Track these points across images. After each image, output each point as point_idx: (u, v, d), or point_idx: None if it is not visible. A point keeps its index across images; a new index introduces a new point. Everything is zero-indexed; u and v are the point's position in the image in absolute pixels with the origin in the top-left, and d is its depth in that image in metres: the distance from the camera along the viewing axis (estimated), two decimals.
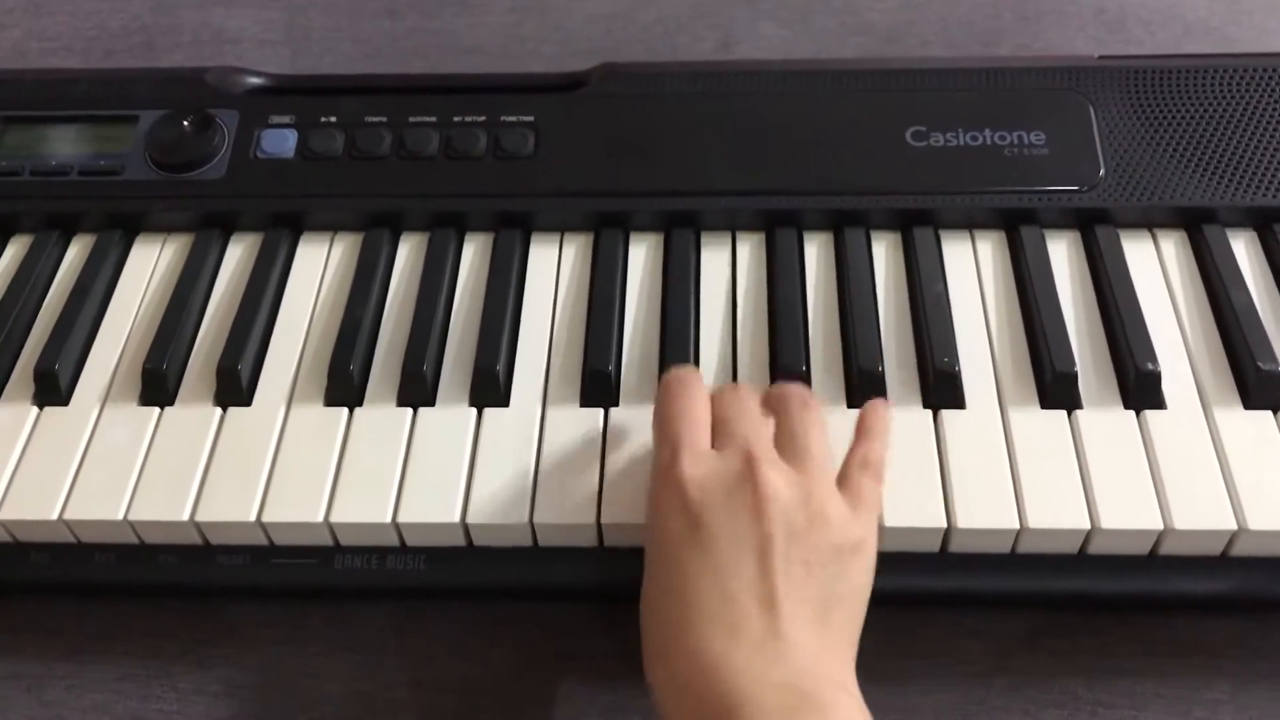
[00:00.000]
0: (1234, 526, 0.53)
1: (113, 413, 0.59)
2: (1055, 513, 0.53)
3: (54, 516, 0.55)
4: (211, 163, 0.67)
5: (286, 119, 0.68)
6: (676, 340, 0.60)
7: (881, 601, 0.56)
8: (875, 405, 0.54)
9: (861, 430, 0.53)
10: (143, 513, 0.56)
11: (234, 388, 0.59)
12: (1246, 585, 0.54)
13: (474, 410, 0.58)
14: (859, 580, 0.49)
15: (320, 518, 0.55)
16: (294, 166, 0.67)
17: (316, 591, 0.57)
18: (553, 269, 0.65)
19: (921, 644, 0.56)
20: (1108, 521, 0.53)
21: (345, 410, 0.58)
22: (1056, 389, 0.57)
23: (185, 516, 0.55)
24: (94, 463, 0.57)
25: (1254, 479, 0.54)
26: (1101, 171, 0.64)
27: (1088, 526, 0.53)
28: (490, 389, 0.58)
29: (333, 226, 0.67)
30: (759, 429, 0.51)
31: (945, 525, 0.53)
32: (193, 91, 0.70)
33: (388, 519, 0.54)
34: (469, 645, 0.57)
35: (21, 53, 0.87)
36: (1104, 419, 0.56)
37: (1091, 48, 0.82)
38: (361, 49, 0.86)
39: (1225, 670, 0.55)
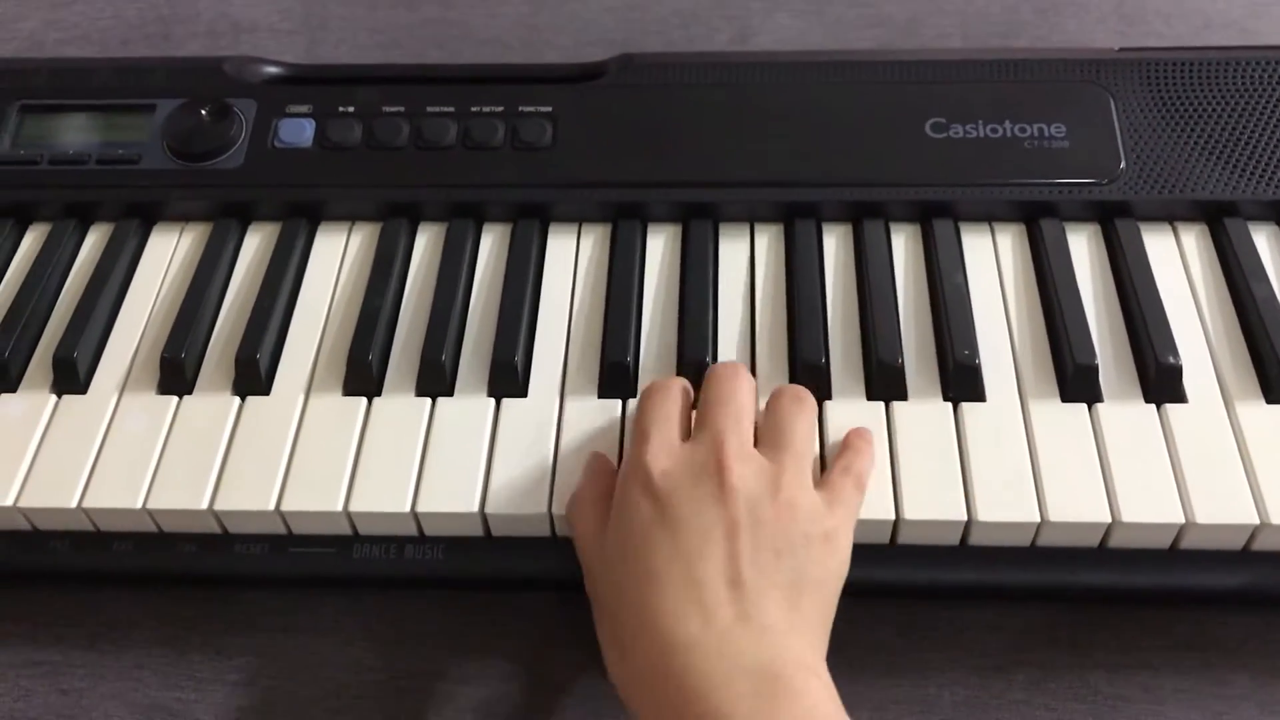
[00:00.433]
0: (1256, 521, 0.52)
1: (131, 401, 0.59)
2: (1076, 506, 0.53)
3: (73, 504, 0.55)
4: (229, 152, 0.67)
5: (304, 109, 0.68)
6: (695, 332, 0.60)
7: (901, 594, 0.56)
8: (857, 429, 0.55)
9: (845, 444, 0.54)
10: (161, 501, 0.56)
11: (253, 377, 0.59)
12: (1268, 580, 0.54)
13: (492, 400, 0.58)
14: (831, 567, 0.49)
15: (339, 507, 0.55)
16: (311, 156, 0.67)
17: (335, 581, 0.57)
18: (570, 259, 0.64)
19: (940, 637, 0.56)
20: (1128, 515, 0.52)
21: (364, 400, 0.58)
22: (1077, 382, 0.57)
23: (204, 505, 0.55)
24: (112, 451, 0.57)
25: (1276, 473, 0.53)
26: (1122, 164, 0.63)
27: (1108, 520, 0.53)
28: (508, 379, 0.58)
29: (350, 216, 0.67)
30: (739, 418, 0.52)
31: (965, 518, 0.53)
32: (210, 81, 0.70)
33: (406, 508, 0.54)
34: (487, 636, 0.57)
35: (39, 42, 0.87)
36: (1125, 412, 0.56)
37: (1110, 40, 0.82)
38: (378, 39, 0.86)
39: (1246, 665, 0.55)
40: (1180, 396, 0.57)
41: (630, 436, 0.54)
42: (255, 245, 0.66)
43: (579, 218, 0.66)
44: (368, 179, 0.66)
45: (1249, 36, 0.82)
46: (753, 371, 0.59)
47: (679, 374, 0.59)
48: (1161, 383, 0.56)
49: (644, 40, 0.84)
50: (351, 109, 0.68)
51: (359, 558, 0.56)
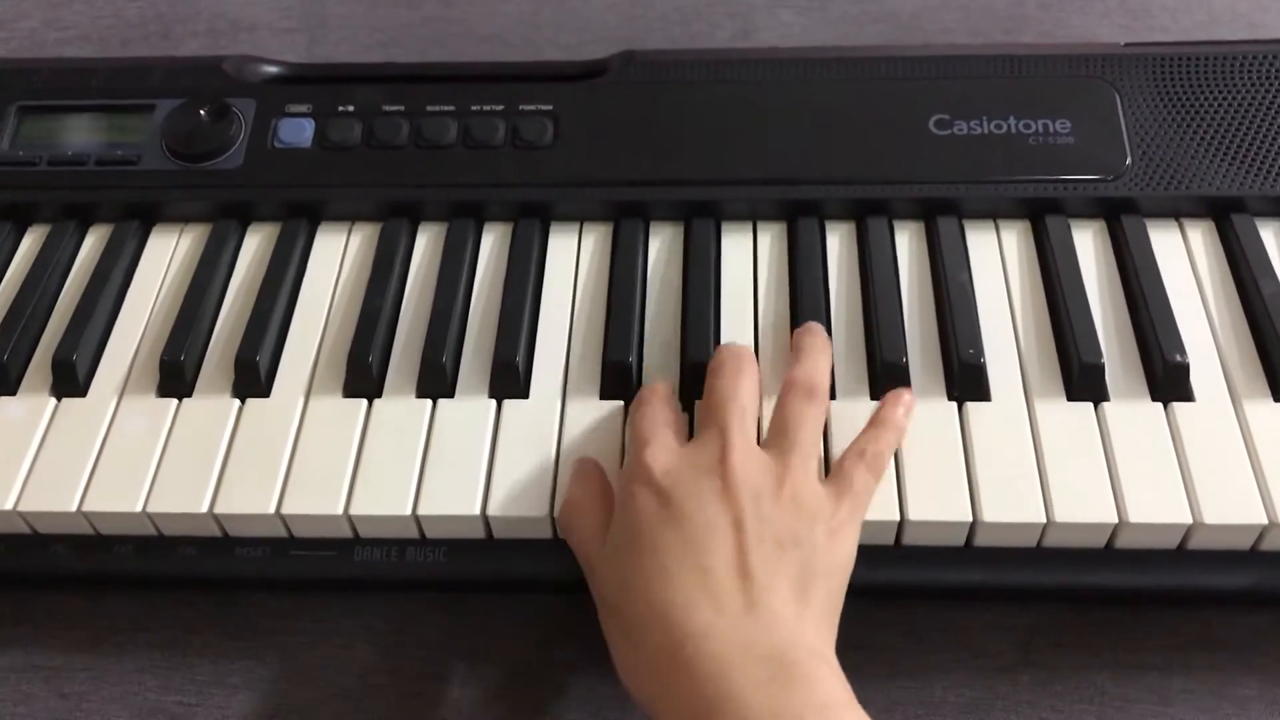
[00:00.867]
0: (1264, 521, 0.52)
1: (130, 404, 0.59)
2: (1082, 506, 0.53)
3: (73, 508, 0.55)
4: (228, 152, 0.67)
5: (304, 108, 0.68)
6: (697, 331, 0.59)
7: (906, 595, 0.56)
8: (895, 399, 0.55)
9: (873, 420, 0.54)
10: (161, 505, 0.55)
11: (252, 379, 0.59)
12: (1276, 580, 0.53)
13: (493, 401, 0.58)
14: (838, 560, 0.50)
15: (340, 510, 0.54)
16: (311, 156, 0.66)
17: (336, 583, 0.57)
18: (572, 259, 0.64)
19: (946, 638, 0.55)
20: (1135, 515, 0.52)
21: (364, 401, 0.58)
22: (1083, 381, 0.56)
23: (204, 508, 0.55)
24: (112, 454, 0.57)
25: None
26: (1128, 160, 0.63)
27: (1115, 520, 0.52)
28: (510, 380, 0.58)
29: (351, 216, 0.66)
30: (742, 416, 0.52)
31: (971, 519, 0.52)
32: (209, 81, 0.70)
33: (407, 511, 0.54)
34: (488, 638, 0.57)
35: (38, 42, 0.86)
36: (1131, 411, 0.55)
37: (1116, 35, 0.82)
38: (378, 37, 0.85)
39: (1254, 665, 0.54)
40: (1187, 395, 0.56)
41: (629, 444, 0.54)
42: (255, 246, 0.66)
43: (580, 217, 0.66)
44: (368, 179, 0.65)
45: (1256, 30, 0.82)
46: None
47: (682, 374, 0.58)
48: (1168, 381, 0.56)
49: (646, 37, 0.84)
50: (351, 108, 0.67)
51: (360, 560, 0.56)
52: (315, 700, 0.55)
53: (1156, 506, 0.52)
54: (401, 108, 0.67)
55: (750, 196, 0.65)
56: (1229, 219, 0.62)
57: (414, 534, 0.55)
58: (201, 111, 0.67)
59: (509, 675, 0.56)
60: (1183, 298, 0.60)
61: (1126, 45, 0.68)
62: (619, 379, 0.58)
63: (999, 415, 0.56)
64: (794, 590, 0.47)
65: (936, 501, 0.53)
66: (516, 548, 0.56)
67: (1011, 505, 0.53)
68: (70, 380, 0.60)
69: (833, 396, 0.57)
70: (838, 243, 0.64)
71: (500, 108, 0.67)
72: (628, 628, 0.48)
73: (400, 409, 0.58)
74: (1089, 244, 0.63)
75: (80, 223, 0.67)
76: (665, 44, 0.83)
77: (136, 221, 0.67)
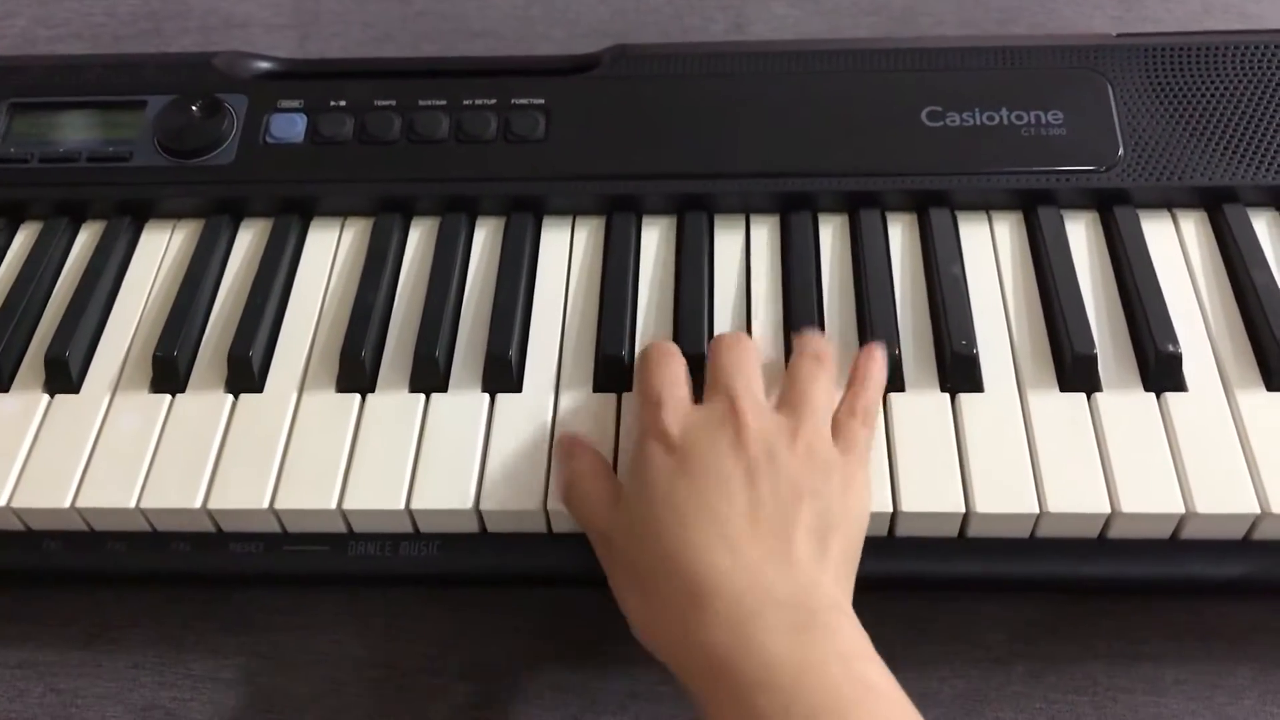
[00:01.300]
0: (1256, 510, 0.52)
1: (124, 400, 0.59)
2: (1075, 497, 0.52)
3: (66, 504, 0.55)
4: (220, 148, 0.66)
5: (295, 103, 0.68)
6: (690, 324, 0.59)
7: (900, 587, 0.56)
8: (868, 353, 0.55)
9: (853, 378, 0.54)
10: (155, 500, 0.55)
11: (245, 375, 0.59)
12: (1269, 569, 0.53)
13: (487, 396, 0.58)
14: (854, 510, 0.50)
15: (333, 504, 0.54)
16: (303, 151, 0.66)
17: (330, 578, 0.57)
18: (565, 253, 0.64)
19: (940, 630, 0.55)
20: (1128, 505, 0.52)
21: (357, 396, 0.58)
22: (1076, 371, 0.56)
23: (197, 504, 0.55)
24: (105, 450, 0.57)
25: (1277, 461, 0.53)
26: (1120, 151, 0.63)
27: (1108, 510, 0.52)
28: (503, 374, 0.58)
29: (343, 211, 0.66)
30: (749, 381, 0.52)
31: (964, 510, 0.52)
32: (201, 76, 0.70)
33: (401, 505, 0.54)
34: (483, 632, 0.57)
35: (30, 39, 0.86)
36: (1124, 401, 0.55)
37: (1108, 25, 0.82)
38: (370, 32, 0.85)
39: (1248, 655, 0.54)
40: (1180, 385, 0.56)
41: (638, 402, 0.54)
42: (247, 242, 0.66)
43: (573, 210, 0.65)
44: (360, 173, 0.65)
45: (1249, 20, 0.82)
46: None
47: None
48: (1161, 371, 0.56)
49: (639, 31, 0.84)
50: (343, 103, 0.67)
51: (354, 555, 0.56)
52: (310, 695, 0.55)
53: (1149, 496, 0.52)
54: (393, 102, 0.67)
55: (743, 189, 0.64)
56: (1221, 209, 0.62)
57: (408, 528, 0.55)
58: (193, 107, 0.67)
59: (503, 669, 0.56)
60: (1175, 288, 0.60)
61: (1118, 36, 0.68)
62: (612, 372, 0.58)
63: (992, 406, 0.56)
64: (811, 540, 0.47)
65: (929, 493, 0.53)
66: (510, 541, 0.55)
67: (1004, 496, 0.53)
68: (63, 377, 0.60)
69: None
70: (830, 235, 0.64)
71: (492, 102, 0.67)
72: (643, 579, 0.48)
73: (393, 403, 0.58)
74: (1081, 235, 0.62)
75: (72, 220, 0.67)
76: (658, 38, 0.83)
77: (129, 218, 0.67)
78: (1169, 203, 0.63)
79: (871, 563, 0.52)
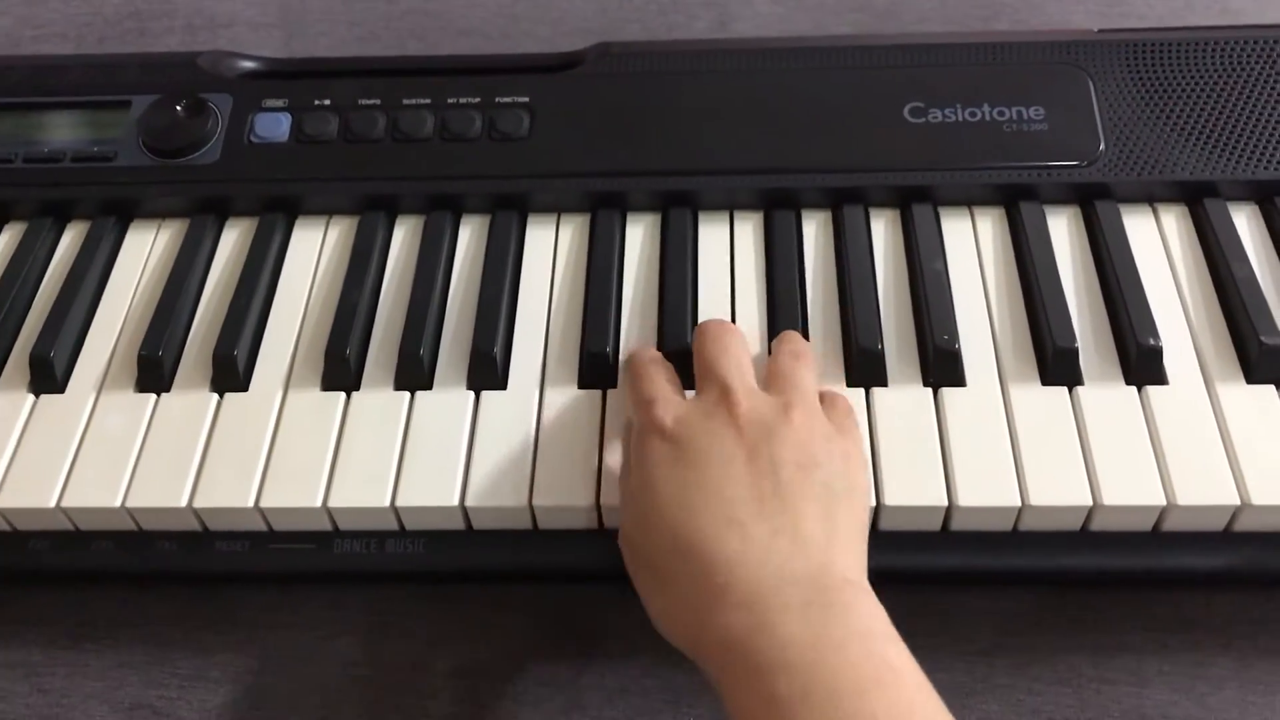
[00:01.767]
0: (1237, 502, 0.52)
1: (109, 400, 0.59)
2: (1057, 490, 0.53)
3: (51, 504, 0.55)
4: (205, 147, 0.67)
5: (280, 103, 0.68)
6: (674, 321, 0.59)
7: (883, 580, 0.55)
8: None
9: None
10: (140, 500, 0.55)
11: (230, 373, 0.59)
12: (1250, 560, 0.54)
13: (472, 393, 0.58)
14: (856, 480, 0.50)
15: (318, 503, 0.54)
16: (288, 150, 0.66)
17: (316, 576, 0.57)
18: (549, 250, 0.64)
19: (924, 623, 0.55)
20: (1110, 498, 0.52)
21: (342, 395, 0.58)
22: (1057, 365, 0.56)
23: (183, 503, 0.55)
24: (91, 450, 0.57)
25: (1257, 453, 0.53)
26: (1101, 146, 0.63)
27: (1090, 503, 0.52)
28: (488, 371, 0.58)
29: (328, 210, 0.66)
30: (739, 364, 0.53)
31: (947, 503, 0.53)
32: (185, 76, 0.70)
33: (386, 503, 0.54)
34: (469, 629, 0.57)
35: (14, 40, 0.86)
36: (1105, 395, 0.56)
37: (1091, 21, 0.82)
38: (356, 31, 0.85)
39: (1229, 646, 0.55)
40: (1161, 378, 0.56)
41: (631, 408, 0.54)
42: (232, 241, 0.66)
43: (557, 208, 0.66)
44: (344, 172, 0.65)
45: (1231, 15, 0.82)
46: None
47: None
48: (1142, 365, 0.56)
49: (623, 29, 0.84)
50: (327, 102, 0.67)
51: (340, 553, 0.56)
52: (297, 693, 0.55)
53: (1131, 489, 0.53)
54: (378, 101, 0.67)
55: (727, 186, 0.65)
56: (1202, 203, 0.63)
57: (393, 526, 0.56)
58: (177, 107, 0.67)
59: (491, 666, 0.56)
60: (1156, 282, 0.60)
61: (1100, 32, 0.68)
62: (597, 369, 0.58)
63: (974, 400, 0.56)
64: (819, 511, 0.47)
65: (912, 486, 0.53)
66: (496, 538, 0.56)
67: (987, 489, 0.53)
68: (48, 377, 0.60)
69: None
70: (814, 231, 0.64)
71: (476, 100, 0.67)
72: (657, 571, 0.48)
73: (378, 401, 0.58)
74: (1063, 229, 0.63)
75: (57, 219, 0.67)
76: (642, 35, 0.83)
77: (113, 218, 0.67)
78: (1150, 197, 0.64)
79: None
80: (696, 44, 0.71)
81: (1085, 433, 0.54)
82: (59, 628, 0.58)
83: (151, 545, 0.57)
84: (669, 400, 0.52)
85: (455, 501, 0.54)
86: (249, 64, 0.71)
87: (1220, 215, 0.62)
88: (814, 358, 0.56)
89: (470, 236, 0.65)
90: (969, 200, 0.64)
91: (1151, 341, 0.56)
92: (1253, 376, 0.56)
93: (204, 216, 0.66)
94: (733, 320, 0.60)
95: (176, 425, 0.58)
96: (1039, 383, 0.57)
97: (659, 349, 0.59)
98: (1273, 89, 0.64)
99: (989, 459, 0.54)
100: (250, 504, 0.55)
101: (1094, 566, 0.54)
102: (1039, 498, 0.53)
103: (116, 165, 0.66)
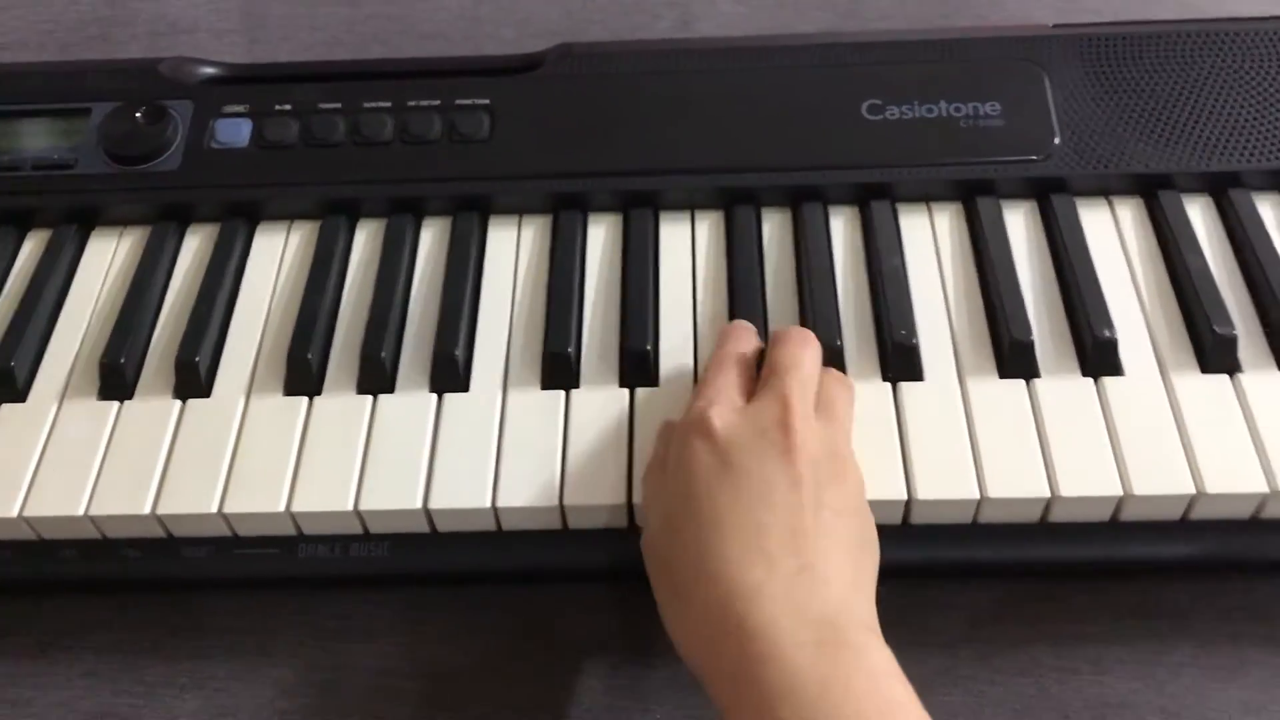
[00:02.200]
0: (1192, 490, 0.53)
1: (71, 408, 0.59)
2: (1015, 482, 0.53)
3: (14, 514, 0.55)
4: (166, 154, 0.67)
5: (241, 108, 0.68)
6: (636, 321, 0.60)
7: None
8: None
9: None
10: (104, 507, 0.55)
11: (192, 380, 0.59)
12: (1206, 548, 0.54)
13: (434, 396, 0.58)
14: (874, 535, 0.50)
15: (282, 507, 0.55)
16: (249, 156, 0.66)
17: (281, 581, 0.57)
18: (512, 252, 0.64)
19: (885, 616, 0.55)
20: (1067, 489, 0.53)
21: (305, 399, 0.58)
22: (1014, 358, 0.57)
23: (147, 510, 0.55)
24: (53, 459, 0.57)
25: (1211, 442, 0.54)
26: (1057, 140, 0.64)
27: (1047, 495, 0.53)
28: (450, 374, 0.58)
29: (289, 215, 0.66)
30: (805, 384, 0.52)
31: (906, 497, 0.53)
32: (146, 83, 0.70)
33: (349, 507, 0.54)
34: (435, 631, 0.57)
35: None
36: (1062, 387, 0.56)
37: (1050, 16, 0.82)
38: (319, 36, 0.85)
39: (1188, 632, 0.55)
40: (1117, 369, 0.57)
41: (695, 391, 0.54)
42: (194, 247, 0.66)
43: (519, 209, 0.66)
44: (306, 177, 0.66)
45: (1186, 9, 0.82)
46: (695, 359, 0.59)
47: (621, 363, 0.59)
48: (1098, 356, 0.57)
49: (586, 30, 0.84)
50: (288, 107, 0.67)
51: (305, 557, 0.56)
52: (264, 698, 0.55)
53: (1088, 479, 0.53)
54: (338, 105, 0.67)
55: (688, 186, 0.65)
56: (1157, 196, 0.63)
57: (357, 529, 0.56)
58: (138, 114, 0.67)
59: (459, 668, 0.56)
60: (1112, 274, 0.61)
61: (1055, 27, 0.69)
62: (559, 370, 0.58)
63: (932, 394, 0.56)
64: (848, 558, 0.47)
65: (872, 480, 0.53)
66: (462, 540, 0.56)
67: (946, 482, 0.53)
68: (10, 386, 0.60)
69: None
70: (773, 229, 0.64)
71: (436, 103, 0.67)
72: (678, 584, 0.48)
73: (341, 405, 0.58)
74: (1020, 223, 0.63)
75: (18, 227, 0.67)
76: (605, 36, 0.83)
77: (75, 225, 0.67)
78: (1106, 190, 0.64)
79: None
80: (656, 44, 0.71)
81: (1042, 425, 0.55)
82: (25, 638, 0.57)
83: (116, 553, 0.57)
84: (727, 405, 0.51)
85: (418, 504, 0.54)
86: (210, 70, 0.71)
87: (1175, 207, 0.63)
88: (851, 384, 0.56)
89: (432, 239, 0.65)
90: (927, 196, 0.65)
91: (1106, 333, 0.57)
92: (1207, 366, 0.57)
93: (165, 223, 0.66)
94: (694, 320, 0.61)
95: (139, 432, 0.58)
96: (996, 376, 0.57)
97: (621, 349, 0.59)
98: (1226, 82, 0.65)
99: (947, 452, 0.54)
100: (214, 510, 0.55)
101: (1054, 557, 0.55)
102: (997, 490, 0.53)
103: (77, 173, 0.66)
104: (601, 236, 0.65)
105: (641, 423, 0.57)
